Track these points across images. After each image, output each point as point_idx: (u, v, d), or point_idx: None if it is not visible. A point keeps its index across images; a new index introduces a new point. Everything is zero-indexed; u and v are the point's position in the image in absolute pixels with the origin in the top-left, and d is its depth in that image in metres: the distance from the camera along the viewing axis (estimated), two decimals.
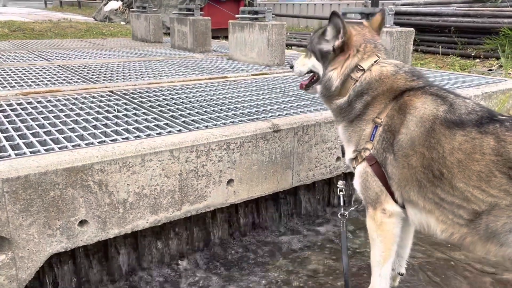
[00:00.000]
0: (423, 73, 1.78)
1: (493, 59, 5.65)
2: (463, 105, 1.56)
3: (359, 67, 1.72)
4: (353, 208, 2.02)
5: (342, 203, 1.96)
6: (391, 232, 1.73)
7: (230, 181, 2.19)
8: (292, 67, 2.03)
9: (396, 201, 1.68)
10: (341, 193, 1.98)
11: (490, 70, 5.24)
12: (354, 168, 1.78)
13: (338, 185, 2.00)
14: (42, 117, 2.41)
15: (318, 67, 1.87)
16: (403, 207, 1.69)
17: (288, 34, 9.43)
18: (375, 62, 1.73)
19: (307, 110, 2.66)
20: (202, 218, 2.40)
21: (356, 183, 1.77)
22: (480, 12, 6.13)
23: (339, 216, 1.94)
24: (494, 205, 1.42)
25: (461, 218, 1.50)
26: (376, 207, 1.72)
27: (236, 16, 5.14)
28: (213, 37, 8.17)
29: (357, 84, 1.71)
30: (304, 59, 1.95)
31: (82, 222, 1.81)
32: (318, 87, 1.88)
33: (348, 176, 2.53)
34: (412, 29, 3.37)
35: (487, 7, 6.49)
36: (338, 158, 2.58)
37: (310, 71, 1.95)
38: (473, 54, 5.90)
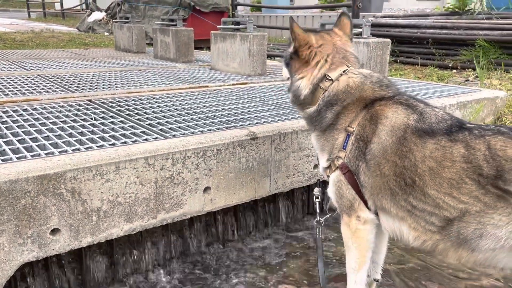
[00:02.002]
0: (393, 82, 1.81)
1: (470, 70, 5.80)
2: (433, 114, 1.60)
3: (327, 76, 1.75)
4: (328, 216, 2.03)
5: (318, 210, 1.97)
6: (366, 239, 1.74)
7: (206, 189, 2.18)
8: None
9: (369, 209, 1.70)
10: (317, 200, 2.00)
11: (467, 80, 5.37)
12: (328, 176, 1.80)
13: (314, 192, 2.02)
14: (17, 126, 2.38)
15: (288, 75, 1.91)
16: (376, 214, 1.71)
17: (271, 45, 9.52)
18: (344, 71, 1.75)
19: (285, 118, 2.69)
20: (179, 226, 2.38)
21: (330, 191, 1.79)
22: (457, 24, 6.29)
23: (315, 223, 1.95)
24: (465, 211, 1.44)
25: (433, 225, 1.52)
26: (350, 214, 1.73)
27: (218, 27, 5.19)
28: (197, 48, 8.21)
29: (326, 94, 1.74)
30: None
31: (54, 231, 1.78)
32: (290, 95, 1.90)
33: (325, 183, 2.56)
34: (388, 40, 3.44)
35: (463, 20, 6.68)
36: (315, 166, 2.60)
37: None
38: (450, 65, 6.04)
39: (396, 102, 1.65)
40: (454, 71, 6.00)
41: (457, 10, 7.13)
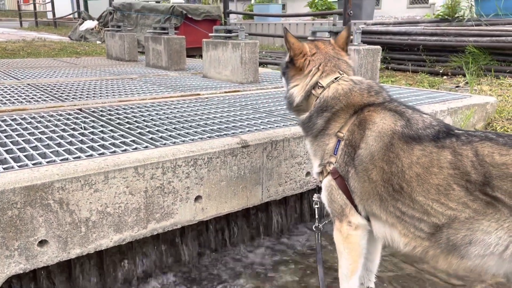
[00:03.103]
0: (384, 88, 1.82)
1: (460, 76, 5.84)
2: (420, 120, 1.60)
3: (319, 84, 1.78)
4: (327, 222, 2.02)
5: (317, 216, 1.96)
6: (358, 244, 1.74)
7: (198, 198, 2.16)
8: None
9: (360, 214, 1.70)
10: (316, 206, 1.99)
11: (457, 86, 5.41)
12: (320, 181, 1.80)
13: (313, 198, 2.01)
14: (5, 136, 2.35)
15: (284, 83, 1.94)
16: (368, 220, 1.71)
17: (264, 52, 9.55)
18: (335, 79, 1.77)
19: (276, 126, 2.68)
20: (171, 236, 2.35)
21: (323, 196, 1.79)
22: (446, 31, 6.35)
23: (314, 229, 1.94)
24: (453, 218, 1.44)
25: (422, 231, 1.52)
26: (342, 219, 1.73)
27: (210, 34, 5.19)
28: (189, 56, 8.20)
29: (317, 101, 1.77)
30: None
31: (42, 242, 1.75)
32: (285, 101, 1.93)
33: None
34: (379, 47, 3.46)
35: (453, 26, 6.75)
36: (307, 173, 2.59)
37: None
38: (441, 71, 6.09)
39: (385, 108, 1.66)
40: (445, 77, 6.05)
41: (447, 17, 7.21)
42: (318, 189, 2.08)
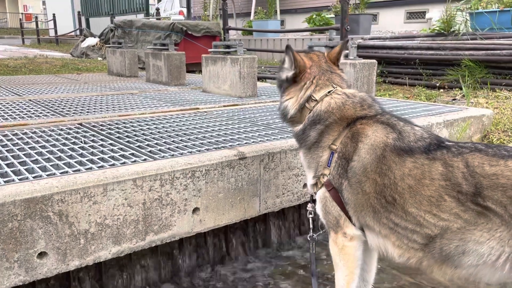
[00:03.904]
0: (377, 101, 1.86)
1: (457, 89, 5.90)
2: (411, 133, 1.63)
3: (312, 97, 1.82)
4: (321, 232, 2.04)
5: (311, 226, 1.98)
6: (353, 255, 1.75)
7: (195, 210, 2.19)
8: None
9: (354, 225, 1.72)
10: (310, 215, 2.00)
11: (454, 99, 5.46)
12: (315, 193, 1.82)
13: (307, 208, 2.03)
14: (6, 150, 2.39)
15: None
16: (363, 231, 1.73)
17: (263, 67, 9.66)
18: (328, 92, 1.81)
19: (273, 138, 2.72)
20: (169, 248, 2.37)
21: (318, 208, 1.81)
22: (442, 45, 6.44)
23: (308, 239, 1.95)
24: (446, 228, 1.46)
25: (415, 242, 1.54)
26: (337, 231, 1.75)
27: (209, 50, 5.27)
28: (189, 71, 8.30)
29: (310, 114, 1.81)
30: None
31: (42, 254, 1.77)
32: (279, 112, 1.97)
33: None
34: (374, 61, 3.52)
35: (449, 40, 6.84)
36: (305, 185, 2.62)
37: None
38: (438, 84, 6.15)
39: (377, 121, 1.69)
40: (442, 90, 6.11)
41: (442, 31, 7.31)
42: (311, 200, 2.11)
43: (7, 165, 2.12)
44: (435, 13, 9.93)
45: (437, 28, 7.50)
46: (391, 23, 13.52)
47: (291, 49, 1.83)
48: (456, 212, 1.43)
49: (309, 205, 2.02)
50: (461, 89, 5.66)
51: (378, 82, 6.89)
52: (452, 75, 6.03)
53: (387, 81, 6.88)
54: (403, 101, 4.69)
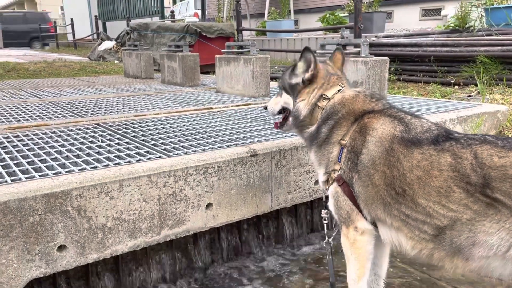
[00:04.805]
0: (384, 97, 1.90)
1: (472, 85, 5.84)
2: (419, 125, 1.66)
3: (324, 96, 1.87)
4: (335, 233, 2.06)
5: (325, 231, 2.01)
6: (365, 249, 1.78)
7: (208, 205, 2.24)
8: (265, 107, 2.16)
9: (366, 219, 1.75)
10: (325, 221, 2.04)
11: (469, 96, 5.41)
12: (326, 189, 1.85)
13: (322, 214, 2.06)
14: (27, 149, 2.49)
15: (289, 101, 2.00)
16: (375, 225, 1.75)
17: (276, 67, 9.69)
18: (338, 91, 1.88)
19: (285, 136, 2.76)
20: (184, 243, 2.43)
21: (330, 203, 1.84)
22: (457, 41, 6.38)
23: (324, 245, 1.99)
24: (455, 219, 1.48)
25: (426, 233, 1.56)
26: (348, 225, 1.78)
27: (222, 51, 5.34)
28: (204, 72, 8.39)
29: (323, 111, 1.85)
30: (276, 98, 2.09)
31: (61, 247, 1.85)
32: (290, 119, 2.00)
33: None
34: (386, 58, 3.53)
35: (463, 37, 6.77)
36: (316, 182, 2.65)
37: (283, 109, 2.07)
38: (453, 81, 6.09)
39: (384, 114, 1.73)
40: (457, 87, 6.05)
41: (457, 28, 7.23)
42: (325, 200, 2.14)
43: (28, 162, 2.21)
44: (451, 10, 9.82)
45: (452, 25, 7.42)
46: (406, 21, 13.39)
47: (310, 51, 1.88)
48: (465, 203, 1.45)
49: (323, 211, 2.06)
50: (476, 85, 5.60)
51: (393, 80, 6.85)
52: (467, 72, 5.97)
53: (401, 79, 6.84)
54: (416, 99, 4.67)
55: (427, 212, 1.53)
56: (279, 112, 2.10)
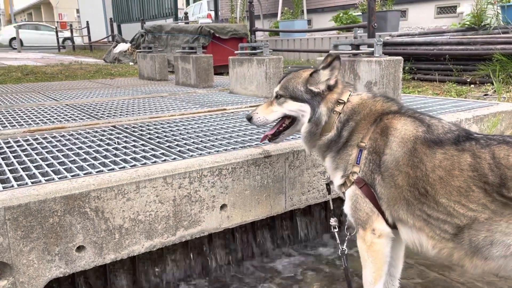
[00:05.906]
0: (396, 99, 1.92)
1: (489, 84, 5.76)
2: (440, 126, 1.68)
3: (339, 101, 1.88)
4: (347, 237, 2.06)
5: (338, 241, 2.01)
6: (382, 252, 1.78)
7: (223, 206, 2.27)
8: (250, 118, 2.01)
9: (386, 221, 1.75)
10: (335, 230, 2.04)
11: (486, 95, 5.33)
12: (343, 193, 1.85)
13: (330, 223, 2.07)
14: (46, 151, 2.55)
15: (303, 108, 1.90)
16: (393, 227, 1.75)
17: (289, 67, 9.69)
18: (349, 95, 1.90)
19: (298, 137, 2.76)
20: (199, 244, 2.46)
21: (347, 206, 1.83)
22: (473, 40, 6.29)
23: (339, 254, 1.99)
24: (474, 219, 1.49)
25: (446, 232, 1.57)
26: (366, 228, 1.78)
27: (236, 52, 5.37)
28: (217, 74, 8.44)
29: (341, 115, 1.85)
30: (272, 107, 1.97)
31: (80, 248, 1.90)
32: (303, 128, 1.91)
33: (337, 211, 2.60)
34: (400, 57, 3.50)
35: (479, 35, 6.67)
36: (327, 185, 2.65)
37: (283, 118, 2.00)
38: (468, 80, 6.02)
39: (404, 115, 1.75)
40: (473, 86, 5.97)
41: (473, 25, 7.13)
42: (333, 214, 2.14)
43: (47, 165, 2.27)
44: (467, 7, 9.67)
45: (468, 23, 7.32)
46: (420, 19, 13.24)
47: (340, 59, 1.87)
48: (484, 202, 1.46)
49: (332, 219, 2.06)
50: (492, 84, 5.52)
51: (407, 79, 6.79)
52: (483, 70, 5.89)
53: (416, 78, 6.78)
54: (431, 98, 4.63)
55: (448, 212, 1.54)
56: (274, 121, 2.01)
